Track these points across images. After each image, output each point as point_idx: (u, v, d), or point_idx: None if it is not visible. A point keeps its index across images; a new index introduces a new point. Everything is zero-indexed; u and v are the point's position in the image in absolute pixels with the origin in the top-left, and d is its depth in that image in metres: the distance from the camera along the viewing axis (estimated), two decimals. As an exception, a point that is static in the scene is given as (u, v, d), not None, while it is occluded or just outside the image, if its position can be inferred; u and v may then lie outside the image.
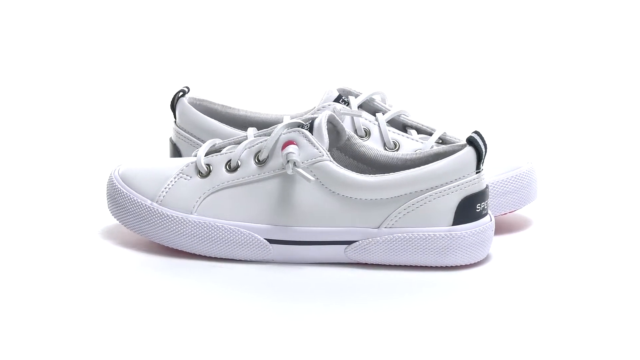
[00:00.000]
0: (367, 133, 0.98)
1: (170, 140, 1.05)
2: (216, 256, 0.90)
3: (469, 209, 0.86)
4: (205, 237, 0.90)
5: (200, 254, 0.91)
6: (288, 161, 0.86)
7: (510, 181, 0.97)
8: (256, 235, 0.89)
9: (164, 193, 0.91)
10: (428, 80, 1.57)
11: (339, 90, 1.02)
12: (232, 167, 0.90)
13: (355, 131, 0.98)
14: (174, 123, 1.05)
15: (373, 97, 1.01)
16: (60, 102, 1.49)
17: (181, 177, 0.91)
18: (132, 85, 1.54)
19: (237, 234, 0.89)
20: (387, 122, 1.00)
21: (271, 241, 0.89)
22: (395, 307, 0.81)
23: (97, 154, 1.28)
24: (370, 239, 0.87)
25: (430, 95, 1.52)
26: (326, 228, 0.88)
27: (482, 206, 0.87)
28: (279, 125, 0.89)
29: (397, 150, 0.97)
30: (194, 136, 1.02)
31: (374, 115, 1.00)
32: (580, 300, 0.81)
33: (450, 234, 0.86)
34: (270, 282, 0.87)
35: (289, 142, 0.88)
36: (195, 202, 0.90)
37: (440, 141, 0.99)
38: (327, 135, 0.88)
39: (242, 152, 0.90)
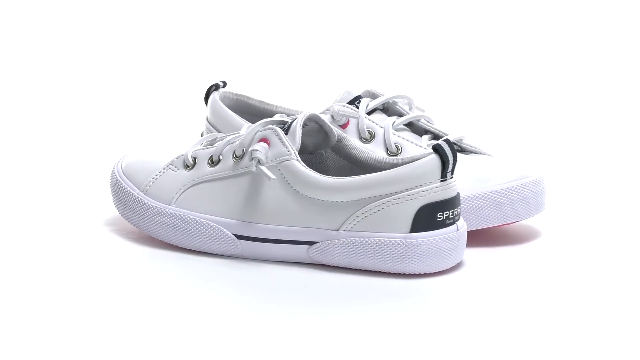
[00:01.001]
0: (372, 135, 0.97)
1: (202, 134, 1.08)
2: (189, 248, 0.92)
3: (428, 217, 0.85)
4: (179, 229, 0.92)
5: (177, 245, 0.93)
6: (252, 158, 0.87)
7: (516, 190, 0.94)
8: (224, 229, 0.90)
9: (150, 183, 0.94)
10: (460, 86, 1.57)
11: (365, 91, 1.01)
12: (214, 162, 0.92)
13: (360, 133, 0.98)
14: (205, 118, 1.07)
15: (396, 100, 1.01)
16: (101, 98, 1.54)
17: (169, 168, 0.94)
18: (169, 78, 1.58)
19: (207, 227, 0.90)
20: (406, 126, 0.99)
21: (239, 236, 0.90)
22: (341, 312, 0.80)
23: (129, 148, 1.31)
24: (330, 241, 0.86)
25: (459, 101, 1.52)
26: (290, 227, 0.88)
27: (445, 215, 0.85)
28: (257, 123, 0.91)
29: (399, 154, 0.96)
30: (221, 132, 1.04)
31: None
32: (543, 323, 0.78)
33: (406, 241, 0.84)
34: (231, 277, 0.88)
35: (262, 140, 0.89)
36: (175, 194, 0.92)
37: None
38: (300, 135, 0.89)
39: (224, 147, 0.91)
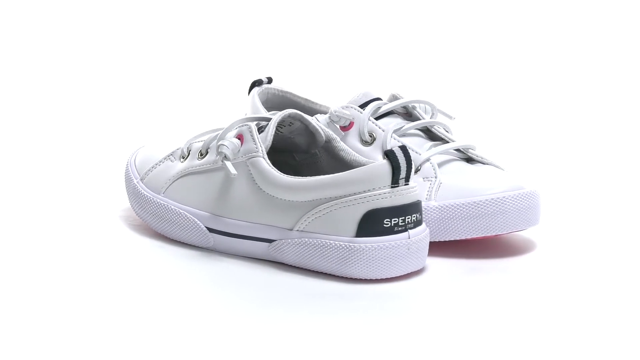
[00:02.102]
0: (373, 139, 0.97)
1: None
2: (171, 237, 0.95)
3: (375, 223, 0.84)
4: (162, 218, 0.95)
5: (162, 234, 0.96)
6: (219, 153, 0.89)
7: (507, 201, 0.90)
8: (199, 222, 0.92)
9: (149, 173, 0.98)
10: (490, 95, 1.55)
11: (390, 95, 1.01)
12: (202, 154, 0.94)
13: (360, 136, 0.97)
14: (245, 113, 1.09)
15: (415, 105, 1.00)
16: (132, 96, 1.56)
17: (168, 159, 0.97)
18: (215, 75, 1.59)
19: (184, 219, 0.93)
20: (423, 132, 0.98)
21: (210, 230, 0.92)
22: (284, 314, 0.81)
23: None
24: (284, 240, 0.87)
25: (486, 110, 1.50)
26: (252, 223, 0.89)
27: (394, 222, 0.84)
28: (240, 119, 0.93)
29: None
30: None
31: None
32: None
33: (350, 245, 0.84)
34: (194, 269, 0.90)
35: (238, 136, 0.91)
36: (165, 184, 0.96)
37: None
38: (271, 134, 0.89)
39: (212, 141, 0.94)
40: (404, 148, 0.84)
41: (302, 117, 0.91)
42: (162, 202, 0.95)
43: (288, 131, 0.93)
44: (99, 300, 0.81)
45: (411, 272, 0.86)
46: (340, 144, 0.92)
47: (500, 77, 1.60)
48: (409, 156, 0.84)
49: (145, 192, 0.96)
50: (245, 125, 0.90)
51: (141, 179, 0.98)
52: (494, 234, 0.90)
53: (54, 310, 0.78)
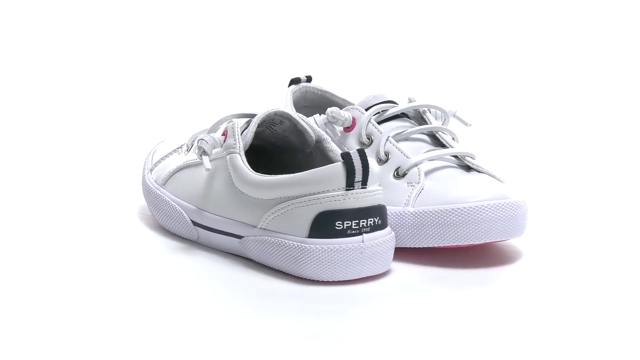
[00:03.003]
0: (371, 141, 0.96)
1: None
2: (167, 228, 0.98)
3: (326, 225, 0.83)
4: (159, 209, 0.98)
5: (160, 225, 0.99)
6: (198, 147, 0.91)
7: (484, 210, 0.87)
8: (185, 215, 0.95)
9: (157, 165, 1.01)
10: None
11: (408, 99, 1.00)
12: (189, 149, 0.97)
13: (359, 138, 0.97)
14: None
15: (425, 109, 0.98)
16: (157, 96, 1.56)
17: (176, 151, 1.00)
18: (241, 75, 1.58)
19: (174, 211, 0.96)
20: (430, 137, 0.97)
21: (194, 223, 0.94)
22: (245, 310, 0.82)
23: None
24: (249, 237, 0.88)
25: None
26: (226, 219, 0.90)
27: (346, 225, 0.83)
28: (228, 115, 0.94)
29: (386, 162, 0.94)
30: None
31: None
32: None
33: (302, 245, 0.84)
34: (173, 260, 0.92)
35: (224, 132, 0.92)
36: (166, 177, 0.98)
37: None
38: (252, 131, 0.91)
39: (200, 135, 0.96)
40: (361, 152, 0.83)
41: (290, 116, 0.92)
42: (160, 193, 0.97)
43: (281, 129, 0.93)
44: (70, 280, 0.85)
45: (370, 277, 0.85)
46: (330, 145, 0.92)
47: (523, 83, 1.59)
48: (366, 160, 0.83)
49: (149, 183, 0.99)
50: (231, 121, 0.92)
51: (150, 170, 1.01)
52: (467, 243, 0.88)
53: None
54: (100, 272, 0.88)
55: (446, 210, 0.88)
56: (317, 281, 0.85)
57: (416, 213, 0.89)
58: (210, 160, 0.91)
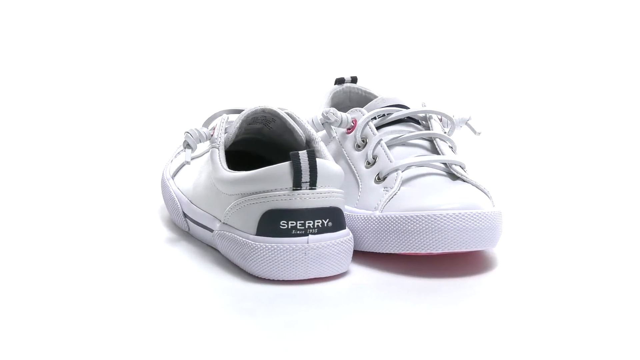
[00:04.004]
0: (365, 144, 0.96)
1: None
2: (172, 220, 1.01)
3: (272, 223, 0.83)
4: (164, 199, 1.01)
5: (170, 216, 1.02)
6: (184, 141, 0.94)
7: (451, 219, 0.85)
8: (179, 205, 0.97)
9: (175, 157, 1.04)
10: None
11: (421, 104, 0.99)
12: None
13: (355, 140, 0.96)
14: None
15: (431, 115, 0.97)
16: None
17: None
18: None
19: (172, 201, 0.99)
20: (428, 141, 0.95)
21: (184, 214, 0.97)
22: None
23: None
24: (216, 231, 0.90)
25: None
26: (205, 212, 0.92)
27: (291, 225, 0.83)
28: (221, 110, 0.96)
29: (372, 165, 0.93)
30: None
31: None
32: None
33: (249, 242, 0.84)
34: (158, 252, 0.95)
35: (214, 126, 0.95)
36: (177, 169, 1.01)
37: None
38: (236, 127, 0.92)
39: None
40: (310, 152, 0.83)
41: (278, 113, 0.92)
42: (167, 184, 1.01)
43: (276, 127, 0.94)
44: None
45: (324, 278, 0.85)
46: (318, 145, 0.92)
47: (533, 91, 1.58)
48: (314, 161, 0.83)
49: (164, 173, 1.03)
50: (222, 115, 0.94)
51: (170, 162, 1.04)
52: (425, 251, 0.85)
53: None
54: (90, 256, 0.93)
55: (407, 217, 0.86)
56: (267, 280, 0.85)
57: (380, 218, 0.87)
58: (199, 155, 0.93)
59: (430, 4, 1.68)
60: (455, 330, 0.76)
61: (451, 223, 0.84)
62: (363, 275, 0.87)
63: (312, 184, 0.83)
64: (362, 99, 1.07)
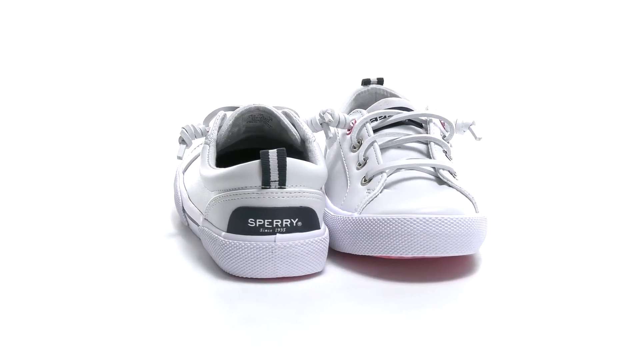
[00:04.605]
0: (360, 145, 0.95)
1: None
2: (178, 215, 1.03)
3: (241, 221, 0.84)
4: (174, 194, 1.03)
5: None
6: (179, 136, 0.95)
7: (429, 223, 0.83)
8: (180, 201, 0.99)
9: (190, 153, 1.06)
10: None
11: (426, 107, 0.98)
12: None
13: (351, 141, 0.96)
14: None
15: (432, 119, 0.96)
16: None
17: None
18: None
19: (177, 197, 1.00)
20: (424, 144, 0.95)
21: (183, 209, 0.98)
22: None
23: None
24: (199, 226, 0.91)
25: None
26: (194, 207, 0.94)
27: (259, 223, 0.83)
28: (220, 107, 0.97)
29: (362, 167, 0.93)
30: None
31: None
32: None
33: (219, 239, 0.85)
34: (153, 247, 0.96)
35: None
36: (187, 164, 1.03)
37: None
38: (228, 124, 0.93)
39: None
40: (281, 152, 0.83)
41: (272, 112, 0.93)
42: (177, 178, 1.02)
43: (274, 125, 0.95)
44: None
45: (289, 278, 0.85)
46: (311, 145, 0.92)
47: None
48: (284, 160, 0.83)
49: (178, 168, 1.04)
50: (218, 112, 0.95)
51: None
52: (397, 255, 0.84)
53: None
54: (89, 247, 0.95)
55: (378, 219, 0.85)
56: (237, 277, 0.86)
57: (357, 220, 0.87)
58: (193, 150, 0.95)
59: (442, 7, 1.67)
60: (408, 338, 0.74)
61: (421, 227, 0.83)
62: (334, 276, 0.87)
63: (282, 183, 0.83)
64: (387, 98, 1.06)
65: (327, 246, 0.87)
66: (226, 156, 0.95)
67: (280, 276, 0.85)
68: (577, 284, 0.86)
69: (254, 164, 0.83)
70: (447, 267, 0.88)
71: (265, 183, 0.83)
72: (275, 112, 0.92)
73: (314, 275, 0.86)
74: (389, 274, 0.87)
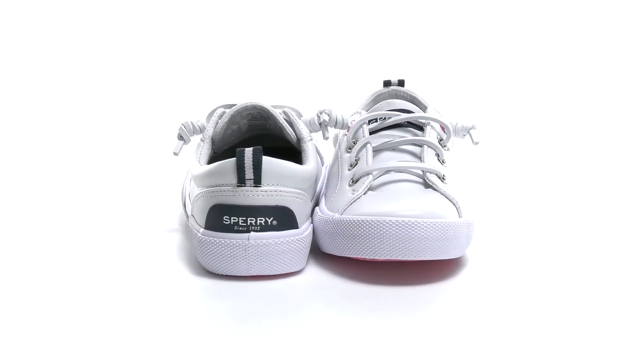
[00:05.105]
0: (355, 144, 0.95)
1: None
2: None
3: (217, 218, 0.84)
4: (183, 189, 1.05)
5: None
6: (178, 133, 0.97)
7: (402, 226, 0.82)
8: (181, 197, 1.00)
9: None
10: None
11: (429, 109, 0.98)
12: None
13: (348, 142, 0.96)
14: None
15: (430, 122, 0.95)
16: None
17: None
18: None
19: (182, 195, 1.02)
20: (420, 147, 0.94)
21: (184, 205, 1.00)
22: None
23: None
24: (188, 222, 0.92)
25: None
26: (189, 202, 0.95)
27: (233, 221, 0.84)
28: (221, 105, 0.98)
29: (353, 168, 0.93)
30: None
31: None
32: None
33: (198, 235, 0.86)
34: (151, 241, 0.98)
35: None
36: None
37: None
38: (224, 121, 0.94)
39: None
40: (256, 150, 0.83)
41: (268, 111, 0.93)
42: (186, 176, 1.04)
43: (273, 123, 0.95)
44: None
45: (266, 276, 0.86)
46: (305, 145, 0.92)
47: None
48: (259, 159, 0.83)
49: (189, 167, 1.06)
50: (219, 110, 0.96)
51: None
52: (370, 257, 0.83)
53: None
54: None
55: (353, 221, 0.84)
56: (213, 274, 0.86)
57: (336, 221, 0.86)
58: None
59: (448, 11, 1.65)
60: (362, 341, 0.74)
61: (392, 230, 0.82)
62: (310, 276, 0.87)
63: (257, 181, 0.83)
64: (409, 101, 1.06)
65: (307, 246, 0.87)
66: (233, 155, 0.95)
67: (255, 274, 0.85)
68: (561, 290, 0.84)
69: (231, 162, 0.83)
70: (428, 271, 0.87)
71: (241, 181, 0.83)
72: (271, 111, 0.93)
73: (289, 274, 0.86)
74: (363, 276, 0.86)
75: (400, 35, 1.66)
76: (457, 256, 0.86)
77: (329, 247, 0.87)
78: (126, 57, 1.64)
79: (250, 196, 0.83)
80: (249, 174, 0.83)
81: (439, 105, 1.00)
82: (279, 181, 0.84)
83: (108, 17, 1.66)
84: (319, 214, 0.90)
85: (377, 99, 1.07)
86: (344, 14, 1.67)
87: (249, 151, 0.83)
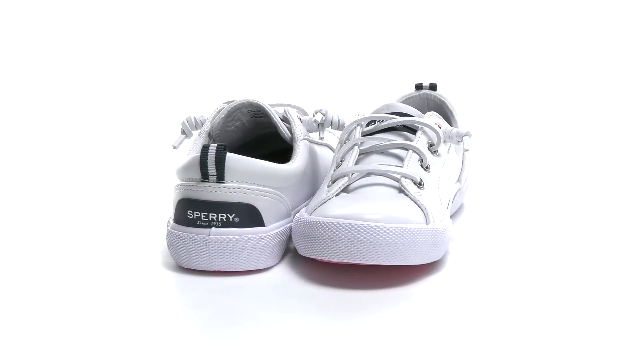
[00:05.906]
0: (345, 144, 0.95)
1: None
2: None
3: (181, 212, 0.85)
4: None
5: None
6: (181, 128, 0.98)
7: (363, 230, 0.80)
8: None
9: None
10: None
11: (429, 113, 0.96)
12: None
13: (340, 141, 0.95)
14: None
15: (423, 127, 0.94)
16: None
17: None
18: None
19: None
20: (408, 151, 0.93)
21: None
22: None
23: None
24: None
25: None
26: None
27: (196, 215, 0.84)
28: (225, 101, 1.00)
29: (337, 168, 0.92)
30: None
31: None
32: None
33: (167, 228, 0.88)
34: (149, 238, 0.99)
35: None
36: None
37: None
38: (221, 118, 0.95)
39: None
40: (220, 147, 0.84)
41: (265, 110, 0.94)
42: None
43: (270, 121, 0.96)
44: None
45: (228, 272, 0.86)
46: (296, 144, 0.93)
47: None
48: (222, 155, 0.83)
49: None
50: (219, 106, 0.97)
51: None
52: (326, 258, 0.82)
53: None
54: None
55: (311, 222, 0.83)
56: (181, 267, 0.87)
57: (303, 221, 0.86)
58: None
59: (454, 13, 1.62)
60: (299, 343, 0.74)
61: (345, 233, 0.81)
62: (275, 275, 0.87)
63: (220, 177, 0.84)
64: (437, 106, 1.06)
65: (277, 244, 0.87)
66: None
67: (216, 270, 0.85)
68: (559, 291, 0.83)
69: (195, 158, 0.84)
70: (392, 275, 0.85)
71: (204, 176, 0.84)
72: (266, 109, 0.93)
73: (254, 272, 0.86)
74: (328, 278, 0.85)
75: (410, 35, 1.64)
76: (421, 263, 0.84)
77: (298, 248, 0.87)
78: (130, 57, 1.67)
79: (213, 192, 0.84)
80: (212, 169, 0.83)
81: (468, 110, 0.98)
82: (245, 178, 0.84)
83: (113, 18, 1.69)
84: (298, 214, 0.89)
85: (406, 102, 1.06)
86: (351, 15, 1.67)
87: (212, 147, 0.83)
